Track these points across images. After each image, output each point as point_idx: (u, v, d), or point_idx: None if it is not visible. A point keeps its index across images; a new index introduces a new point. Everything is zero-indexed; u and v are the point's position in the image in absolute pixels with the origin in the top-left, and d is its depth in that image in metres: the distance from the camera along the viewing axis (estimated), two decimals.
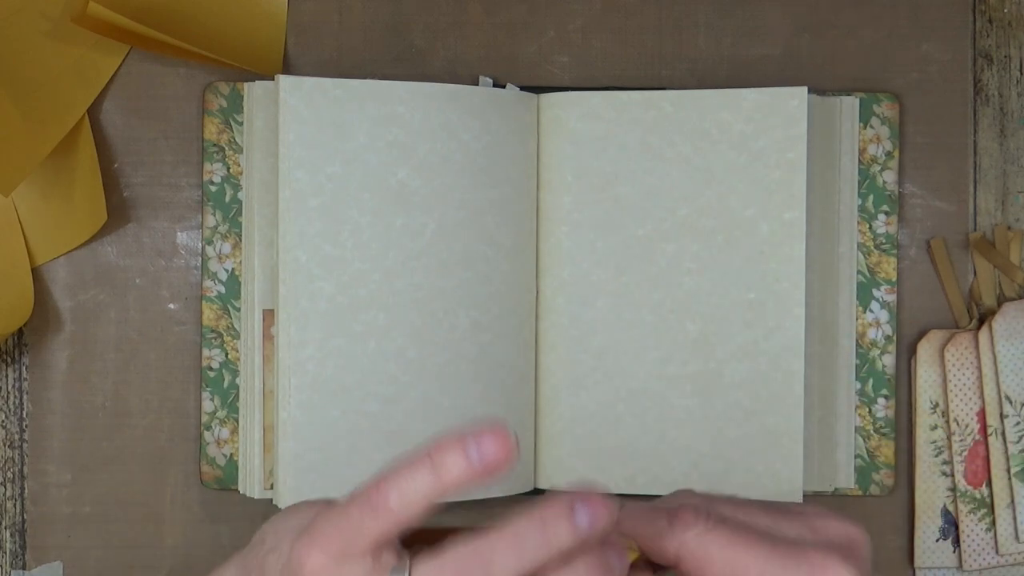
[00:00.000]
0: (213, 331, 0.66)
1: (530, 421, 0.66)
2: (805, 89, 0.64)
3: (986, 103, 0.68)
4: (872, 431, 0.67)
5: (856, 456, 0.66)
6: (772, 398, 0.64)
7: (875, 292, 0.67)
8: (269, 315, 0.64)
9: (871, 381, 0.67)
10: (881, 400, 0.67)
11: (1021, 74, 0.68)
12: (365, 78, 0.66)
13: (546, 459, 0.65)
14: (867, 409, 0.67)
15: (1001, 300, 0.68)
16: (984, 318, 0.67)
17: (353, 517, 0.42)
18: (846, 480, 0.66)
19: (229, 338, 0.65)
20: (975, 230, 0.68)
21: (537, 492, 0.66)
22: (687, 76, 0.67)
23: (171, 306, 0.67)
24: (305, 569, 0.43)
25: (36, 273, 0.66)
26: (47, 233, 0.65)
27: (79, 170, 0.64)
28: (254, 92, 0.64)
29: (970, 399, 0.67)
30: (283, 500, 0.62)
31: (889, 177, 0.67)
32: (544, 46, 0.67)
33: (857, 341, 0.66)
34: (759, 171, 0.64)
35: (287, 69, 0.66)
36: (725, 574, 0.45)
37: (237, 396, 0.66)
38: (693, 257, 0.64)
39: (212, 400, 0.66)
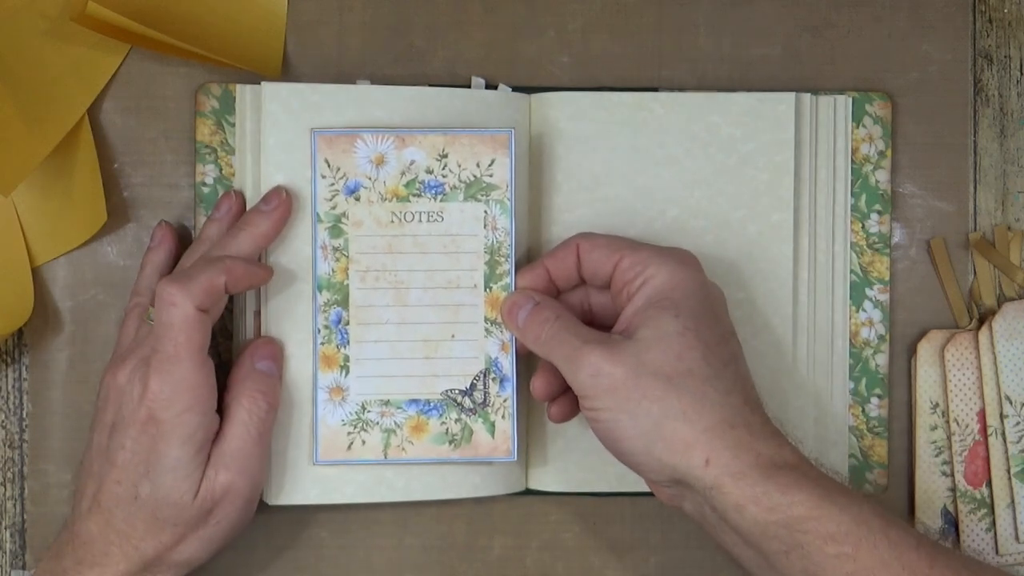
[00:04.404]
0: None
1: (523, 421, 0.66)
2: (793, 95, 0.65)
3: (986, 103, 0.68)
4: (865, 430, 0.67)
5: (849, 456, 0.66)
6: (762, 396, 0.64)
7: (868, 291, 0.67)
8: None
9: (864, 380, 0.67)
10: (874, 399, 0.67)
11: (1021, 74, 0.68)
12: (365, 78, 0.66)
13: (537, 459, 0.65)
14: (860, 408, 0.67)
15: (1001, 300, 0.67)
16: (984, 318, 0.67)
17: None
18: (840, 480, 0.66)
19: (223, 339, 0.65)
20: (975, 230, 0.68)
21: (529, 492, 0.66)
22: (687, 76, 0.67)
23: None
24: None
25: (36, 273, 0.66)
26: (47, 233, 0.65)
27: (79, 170, 0.64)
28: (245, 95, 0.64)
29: (970, 399, 0.67)
30: (272, 498, 0.63)
31: (882, 176, 0.67)
32: (544, 46, 0.67)
33: (850, 340, 0.67)
34: (747, 174, 0.65)
35: (287, 69, 0.66)
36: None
37: None
38: None
39: None
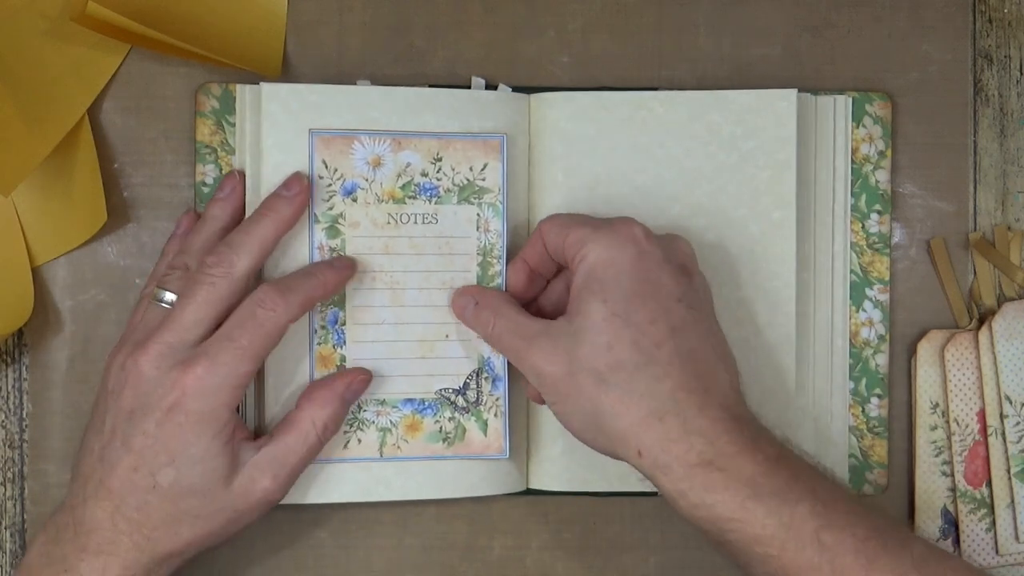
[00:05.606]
0: None
1: (523, 420, 0.66)
2: (795, 91, 0.64)
3: (986, 103, 0.68)
4: (865, 430, 0.67)
5: (849, 455, 0.66)
6: (764, 395, 0.64)
7: (868, 291, 0.67)
8: None
9: (864, 380, 0.67)
10: (874, 399, 0.67)
11: (1021, 74, 0.68)
12: (365, 78, 0.66)
13: (539, 458, 0.65)
14: (860, 408, 0.67)
15: (1001, 300, 0.67)
16: (984, 318, 0.67)
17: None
18: (840, 480, 0.66)
19: None
20: (975, 230, 0.68)
21: (530, 492, 0.66)
22: (687, 76, 0.67)
23: None
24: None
25: (36, 273, 0.66)
26: (47, 233, 0.65)
27: (79, 170, 0.65)
28: (244, 95, 0.64)
29: (970, 399, 0.67)
30: None
31: (882, 176, 0.67)
32: (544, 46, 0.67)
33: (850, 340, 0.67)
34: (749, 171, 0.65)
35: (287, 69, 0.66)
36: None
37: None
38: None
39: None
